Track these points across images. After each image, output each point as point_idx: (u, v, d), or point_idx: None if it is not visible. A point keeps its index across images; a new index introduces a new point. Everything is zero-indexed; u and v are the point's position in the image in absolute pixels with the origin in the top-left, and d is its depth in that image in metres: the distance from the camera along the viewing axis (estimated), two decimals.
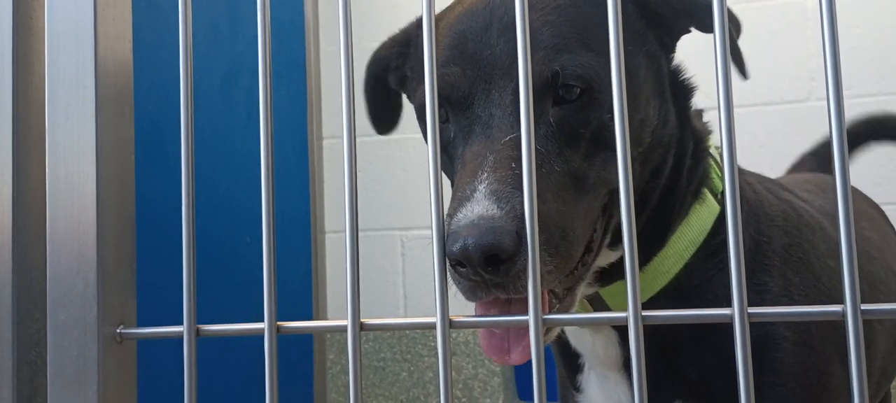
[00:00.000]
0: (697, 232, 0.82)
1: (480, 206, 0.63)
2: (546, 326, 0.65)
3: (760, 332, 0.79)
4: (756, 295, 0.81)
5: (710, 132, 0.88)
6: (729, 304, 0.44)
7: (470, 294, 0.65)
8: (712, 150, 0.87)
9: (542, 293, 0.70)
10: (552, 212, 0.67)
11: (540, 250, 0.59)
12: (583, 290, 0.77)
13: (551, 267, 0.65)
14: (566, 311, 0.73)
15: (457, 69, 0.75)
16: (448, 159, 0.78)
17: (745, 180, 0.89)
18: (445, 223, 0.63)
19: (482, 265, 0.61)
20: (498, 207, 0.63)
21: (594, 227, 0.74)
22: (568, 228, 0.68)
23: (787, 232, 0.86)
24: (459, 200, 0.66)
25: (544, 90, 0.72)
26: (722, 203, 0.83)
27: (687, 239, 0.82)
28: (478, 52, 0.74)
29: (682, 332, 0.81)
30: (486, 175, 0.66)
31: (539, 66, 0.72)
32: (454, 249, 0.61)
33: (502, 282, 0.62)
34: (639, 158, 0.76)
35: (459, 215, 0.63)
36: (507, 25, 0.74)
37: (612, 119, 0.70)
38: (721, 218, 0.82)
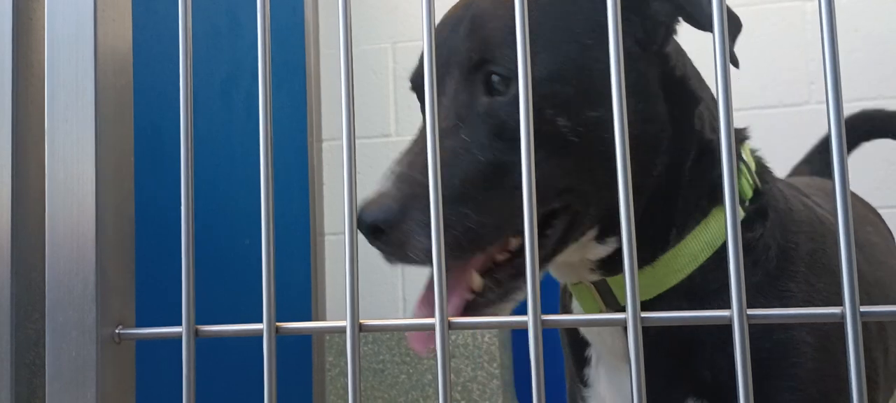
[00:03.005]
0: (715, 235, 0.82)
1: (382, 185, 0.72)
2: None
3: (782, 336, 0.79)
4: (780, 300, 0.81)
5: (744, 139, 0.89)
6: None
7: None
8: (745, 156, 0.87)
9: (466, 275, 0.75)
10: (456, 195, 0.72)
11: (419, 220, 0.70)
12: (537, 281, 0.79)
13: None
14: (503, 300, 0.76)
15: (418, 72, 0.80)
16: None
17: (778, 188, 0.89)
18: None
19: (368, 235, 0.71)
20: (393, 185, 0.72)
21: (545, 224, 0.77)
22: (473, 213, 0.71)
23: (813, 238, 0.86)
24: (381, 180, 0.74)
25: (472, 77, 0.75)
26: (747, 209, 0.83)
27: (703, 240, 0.82)
28: (443, 42, 0.77)
29: (701, 333, 0.81)
30: (403, 158, 0.75)
31: (469, 53, 0.75)
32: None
33: (388, 250, 0.71)
34: (603, 157, 0.75)
35: (370, 193, 0.72)
36: (472, 18, 0.77)
37: (554, 116, 0.74)
38: (744, 223, 0.82)
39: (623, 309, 0.83)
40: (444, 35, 0.78)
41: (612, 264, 0.83)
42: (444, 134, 0.76)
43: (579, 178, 0.76)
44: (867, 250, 1.02)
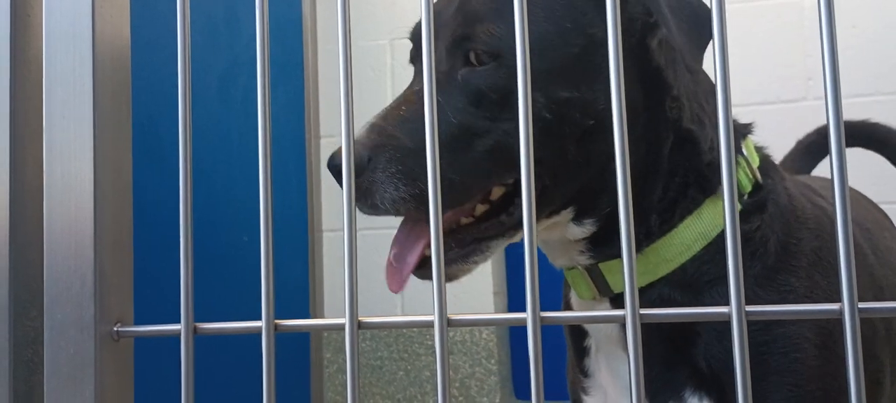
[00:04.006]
0: (709, 226, 0.82)
1: (357, 133, 0.76)
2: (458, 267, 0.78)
3: (782, 332, 0.79)
4: (779, 295, 0.81)
5: (747, 134, 0.89)
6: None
7: None
8: (747, 151, 0.87)
9: (429, 230, 0.78)
10: (421, 148, 0.75)
11: (386, 169, 0.75)
12: (493, 251, 0.82)
13: (405, 194, 0.76)
14: (461, 261, 0.80)
15: (418, 29, 0.89)
16: None
17: (784, 185, 0.89)
18: None
19: (336, 177, 0.75)
20: (365, 134, 0.77)
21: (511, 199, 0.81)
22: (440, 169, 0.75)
23: (819, 235, 0.85)
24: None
25: (456, 49, 0.80)
26: (745, 202, 0.84)
27: (696, 231, 0.82)
28: (436, 16, 0.82)
29: (697, 324, 0.81)
30: (380, 113, 0.80)
31: (454, 27, 0.81)
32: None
33: (356, 196, 0.72)
34: (573, 137, 0.79)
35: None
36: None
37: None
38: (741, 215, 0.82)
39: (616, 295, 0.84)
40: (438, 8, 0.82)
41: (601, 247, 0.83)
42: (422, 95, 0.81)
43: (549, 153, 0.79)
44: (884, 255, 1.01)
